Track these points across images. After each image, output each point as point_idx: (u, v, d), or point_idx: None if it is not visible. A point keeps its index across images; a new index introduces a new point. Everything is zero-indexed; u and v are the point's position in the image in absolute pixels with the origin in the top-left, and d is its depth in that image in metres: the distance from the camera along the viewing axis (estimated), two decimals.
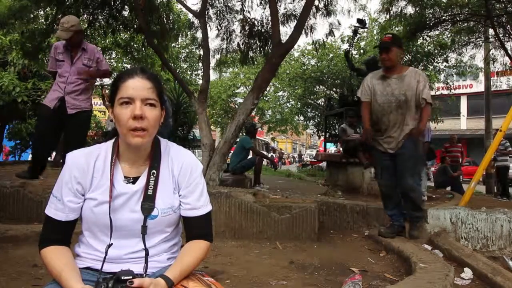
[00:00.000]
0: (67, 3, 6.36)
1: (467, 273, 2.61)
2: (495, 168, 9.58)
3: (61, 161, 7.18)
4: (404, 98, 3.27)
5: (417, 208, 3.34)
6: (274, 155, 29.90)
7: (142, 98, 1.06)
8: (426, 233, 3.32)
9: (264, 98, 20.27)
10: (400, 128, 3.31)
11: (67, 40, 3.44)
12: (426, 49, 11.65)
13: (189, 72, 17.22)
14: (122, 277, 0.97)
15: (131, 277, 0.97)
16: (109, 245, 1.10)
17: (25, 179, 3.59)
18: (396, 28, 10.68)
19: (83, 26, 8.86)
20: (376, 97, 3.39)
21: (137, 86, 1.07)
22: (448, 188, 8.24)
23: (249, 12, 7.38)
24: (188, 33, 9.15)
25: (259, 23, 7.08)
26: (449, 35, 10.65)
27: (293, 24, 6.98)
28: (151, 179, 1.12)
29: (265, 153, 17.76)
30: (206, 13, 6.19)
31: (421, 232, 3.33)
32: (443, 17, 8.96)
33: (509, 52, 9.08)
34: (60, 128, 3.63)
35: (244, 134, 6.70)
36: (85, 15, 7.35)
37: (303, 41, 36.37)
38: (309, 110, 16.77)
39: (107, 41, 10.82)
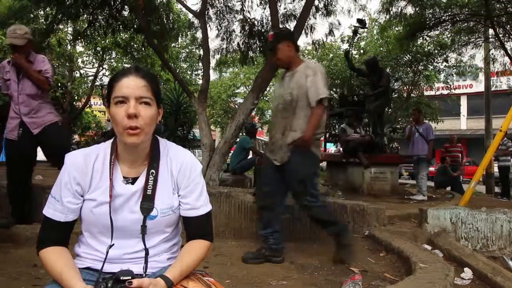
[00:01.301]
0: (67, 3, 6.36)
1: (467, 273, 2.62)
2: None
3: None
4: (290, 98, 2.71)
5: (326, 223, 2.81)
6: None
7: (136, 96, 1.06)
8: (351, 257, 2.75)
9: (264, 98, 20.27)
10: (284, 135, 2.74)
11: (20, 48, 3.06)
12: (426, 49, 11.65)
13: (189, 72, 17.26)
14: (122, 277, 0.97)
15: (130, 277, 0.97)
16: (110, 246, 1.10)
17: (10, 226, 3.05)
18: (396, 28, 10.69)
19: (83, 26, 8.90)
20: (274, 101, 2.93)
21: (131, 85, 1.06)
22: (448, 188, 8.25)
23: (249, 12, 7.40)
24: (188, 33, 9.16)
25: (259, 23, 7.10)
26: (449, 35, 10.65)
27: (293, 24, 7.01)
28: (150, 179, 1.12)
29: None
30: (206, 13, 6.19)
31: (348, 254, 2.75)
32: (443, 17, 8.98)
33: (509, 52, 9.09)
34: (33, 150, 3.27)
35: (244, 134, 6.71)
36: (85, 15, 7.35)
37: (303, 41, 36.39)
38: None
39: (107, 41, 10.83)
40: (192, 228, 1.18)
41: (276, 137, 2.81)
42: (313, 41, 8.01)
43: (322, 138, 2.94)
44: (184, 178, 1.17)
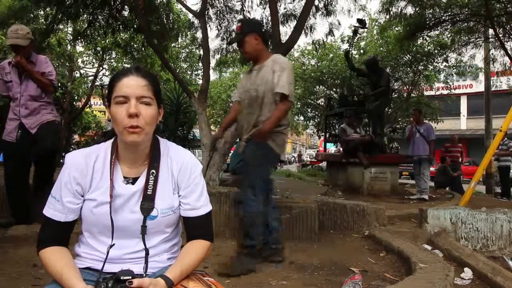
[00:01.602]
0: (67, 3, 6.36)
1: (467, 273, 2.62)
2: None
3: (61, 161, 7.17)
4: (255, 94, 2.62)
5: (247, 231, 2.56)
6: None
7: (137, 96, 1.06)
8: (237, 274, 2.41)
9: None
10: (248, 131, 2.68)
11: (23, 48, 3.03)
12: (426, 49, 11.66)
13: (189, 72, 17.24)
14: (122, 277, 0.97)
15: (130, 277, 0.97)
16: (111, 246, 1.10)
17: (9, 226, 3.06)
18: (396, 28, 10.69)
19: (83, 26, 8.89)
20: (241, 95, 2.84)
21: (131, 85, 1.06)
22: (448, 188, 8.25)
23: (249, 12, 7.41)
24: (188, 33, 9.16)
25: None
26: (449, 35, 10.65)
27: (293, 24, 7.01)
28: (150, 179, 1.12)
29: None
30: (206, 13, 6.20)
31: (237, 271, 2.42)
32: (443, 17, 8.97)
33: (509, 52, 9.08)
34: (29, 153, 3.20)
35: None
36: (85, 15, 7.35)
37: (303, 41, 36.44)
38: (309, 110, 16.78)
39: (107, 41, 10.82)
40: (192, 228, 1.18)
41: (242, 132, 2.74)
42: (313, 41, 8.02)
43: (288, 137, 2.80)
44: (185, 178, 1.16)
